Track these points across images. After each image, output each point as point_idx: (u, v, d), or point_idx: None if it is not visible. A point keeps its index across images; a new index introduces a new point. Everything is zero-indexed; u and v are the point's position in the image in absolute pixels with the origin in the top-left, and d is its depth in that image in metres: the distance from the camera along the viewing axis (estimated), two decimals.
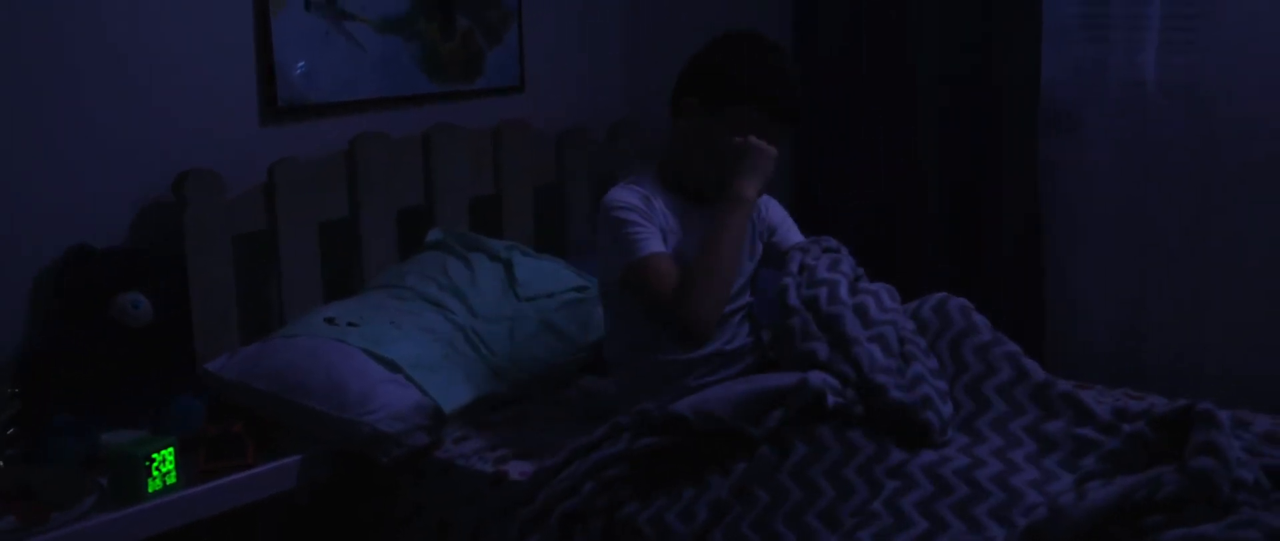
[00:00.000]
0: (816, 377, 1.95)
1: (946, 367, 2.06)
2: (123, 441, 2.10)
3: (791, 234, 2.39)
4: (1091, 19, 2.73)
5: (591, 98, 3.36)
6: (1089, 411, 1.98)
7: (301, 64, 2.69)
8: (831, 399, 1.92)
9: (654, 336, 2.19)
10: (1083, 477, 1.88)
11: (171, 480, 2.08)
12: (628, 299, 2.19)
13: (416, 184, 2.85)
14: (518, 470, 2.18)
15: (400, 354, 2.36)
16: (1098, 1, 2.71)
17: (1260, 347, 2.62)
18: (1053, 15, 2.73)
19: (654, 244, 2.14)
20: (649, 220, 2.16)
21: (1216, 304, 2.67)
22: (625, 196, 2.19)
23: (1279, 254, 2.59)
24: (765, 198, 2.35)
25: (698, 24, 3.31)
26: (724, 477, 1.91)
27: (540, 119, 3.13)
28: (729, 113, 2.18)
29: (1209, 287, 2.68)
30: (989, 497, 1.82)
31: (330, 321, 2.45)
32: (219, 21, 2.58)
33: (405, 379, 2.32)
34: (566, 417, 2.44)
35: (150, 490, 2.05)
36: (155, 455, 2.06)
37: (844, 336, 2.03)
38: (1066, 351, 2.82)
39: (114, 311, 2.30)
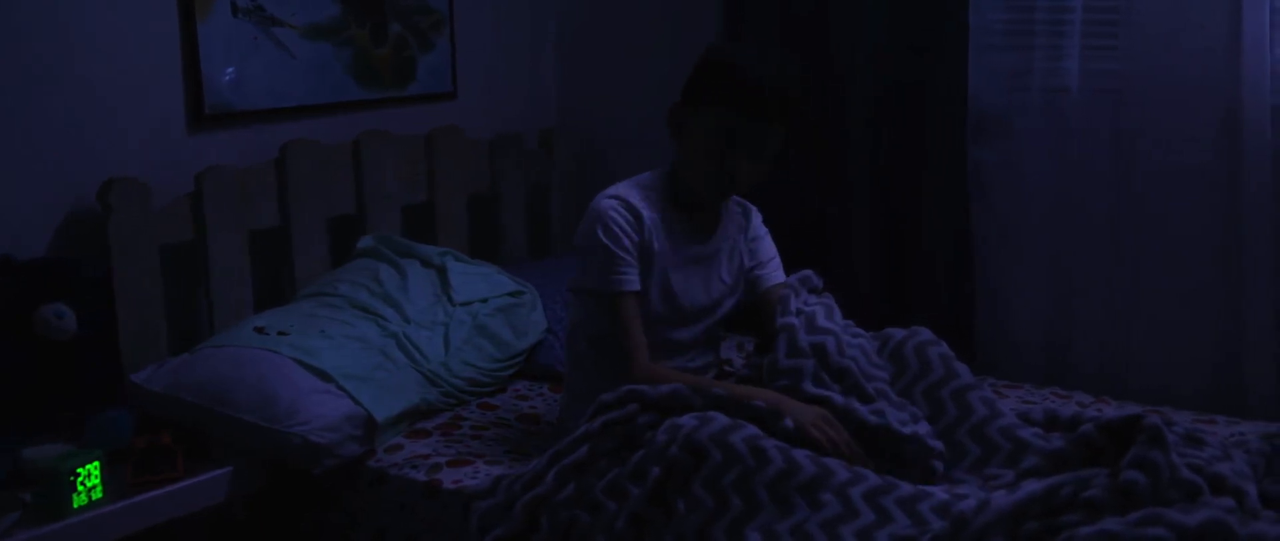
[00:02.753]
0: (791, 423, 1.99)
1: (923, 411, 2.10)
2: (47, 456, 2.06)
3: (768, 248, 2.36)
4: (1016, 27, 2.78)
5: (524, 104, 3.36)
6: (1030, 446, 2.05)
7: (230, 71, 2.66)
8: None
9: (607, 341, 2.19)
10: (1022, 473, 1.93)
11: (98, 495, 2.04)
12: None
13: (348, 192, 2.83)
14: (451, 478, 2.17)
15: (331, 363, 2.34)
16: (1022, 10, 2.76)
17: (1182, 347, 2.68)
18: (979, 24, 2.77)
19: (630, 282, 2.14)
20: (632, 250, 2.15)
21: (1140, 304, 2.72)
22: (618, 216, 2.15)
23: (1199, 254, 2.65)
24: (751, 207, 2.36)
25: (629, 31, 3.33)
26: (674, 432, 1.90)
27: (473, 126, 3.12)
28: (707, 115, 2.14)
29: (1133, 288, 2.73)
30: (931, 497, 1.87)
31: (260, 331, 2.42)
32: (143, 27, 2.54)
33: (337, 388, 2.30)
34: (501, 424, 2.44)
35: (75, 505, 2.01)
36: (80, 469, 2.02)
37: (860, 388, 2.06)
38: (995, 352, 2.87)
39: (38, 323, 2.25)
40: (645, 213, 2.18)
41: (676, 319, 2.23)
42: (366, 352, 2.44)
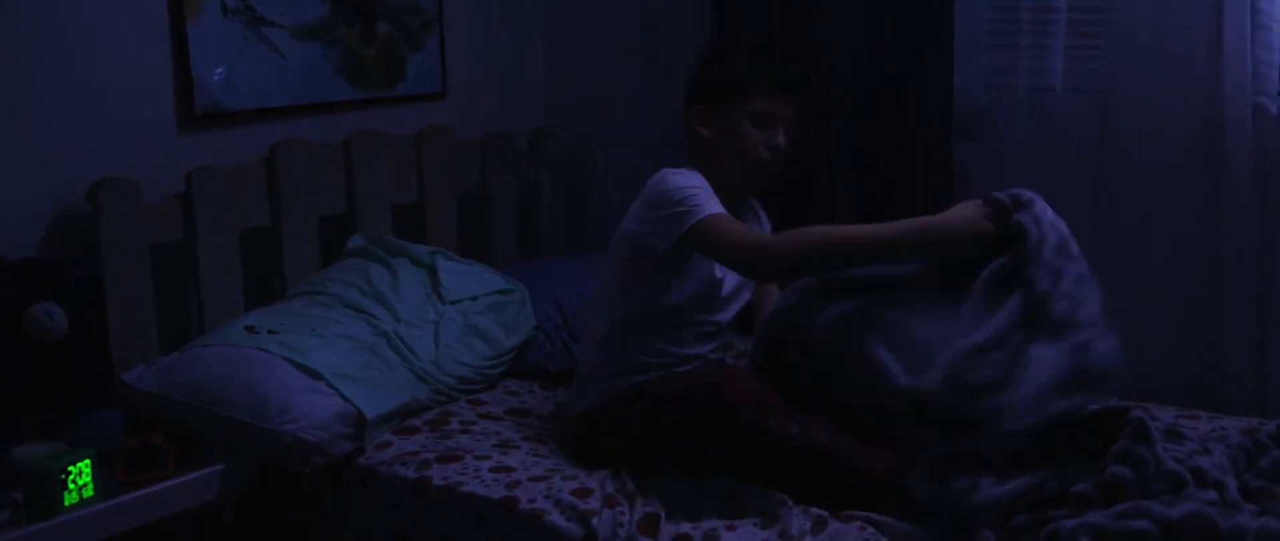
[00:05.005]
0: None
1: None
2: (37, 454, 2.07)
3: None
4: (1002, 27, 2.80)
5: (514, 104, 3.37)
6: None
7: (220, 70, 2.67)
8: None
9: (656, 320, 2.27)
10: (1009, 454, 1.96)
11: (88, 493, 2.05)
12: (646, 272, 2.25)
13: (338, 191, 2.84)
14: (441, 476, 2.19)
15: (322, 361, 2.35)
16: (1006, 10, 2.78)
17: (1164, 343, 2.70)
18: (964, 23, 2.79)
19: (717, 204, 2.18)
20: (710, 190, 2.22)
21: (1123, 301, 2.74)
22: (691, 175, 2.24)
23: (1182, 251, 2.67)
24: (760, 209, 2.52)
25: (619, 30, 3.35)
26: None
27: (463, 125, 3.14)
28: (739, 107, 2.30)
29: (1116, 285, 2.74)
30: None
31: (251, 329, 2.43)
32: (134, 28, 2.55)
33: (327, 387, 2.31)
34: (490, 418, 2.45)
35: (67, 504, 2.01)
36: (71, 468, 2.02)
37: None
38: None
39: (28, 323, 2.26)
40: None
41: (717, 302, 2.33)
42: (357, 351, 2.45)
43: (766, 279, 2.30)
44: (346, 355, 2.41)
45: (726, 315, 2.38)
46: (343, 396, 2.30)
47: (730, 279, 2.35)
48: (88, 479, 2.05)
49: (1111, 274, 2.74)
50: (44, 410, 2.27)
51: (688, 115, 2.37)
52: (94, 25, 2.49)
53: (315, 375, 2.33)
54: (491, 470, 2.19)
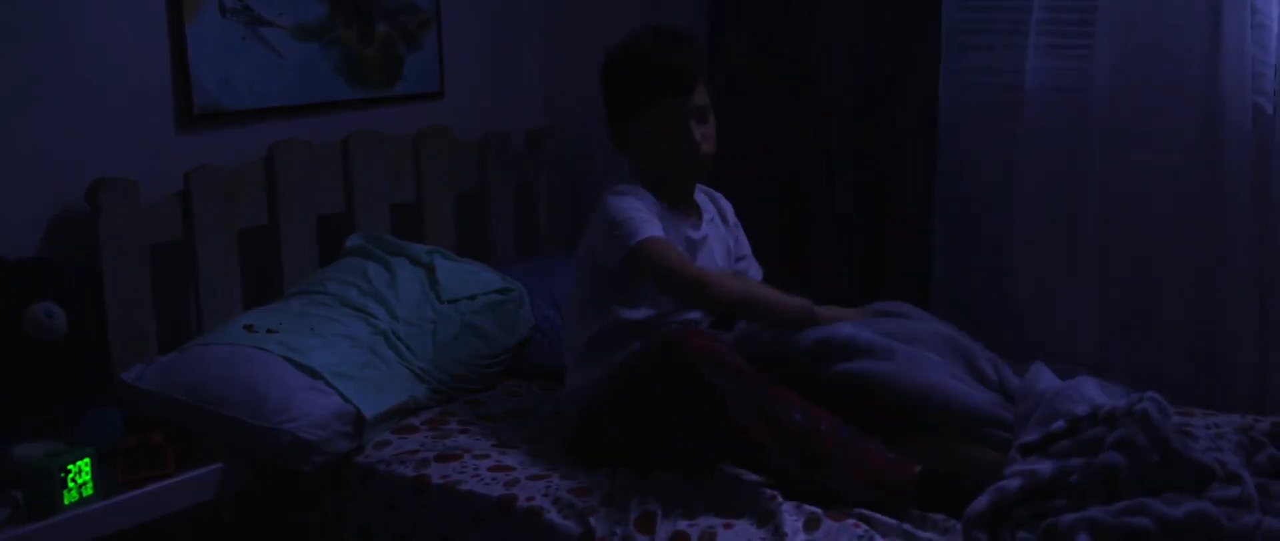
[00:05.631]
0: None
1: None
2: (37, 453, 2.07)
3: (745, 241, 2.58)
4: (993, 26, 2.81)
5: (512, 103, 3.38)
6: None
7: (219, 71, 2.67)
8: None
9: (631, 328, 2.30)
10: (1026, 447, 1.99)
11: (88, 492, 2.05)
12: (613, 285, 2.30)
13: (336, 191, 2.85)
14: (439, 474, 2.19)
15: (320, 360, 2.36)
16: (998, 10, 2.79)
17: (1161, 342, 2.71)
18: (953, 23, 2.80)
19: (655, 229, 2.26)
20: (652, 214, 2.29)
21: (1122, 300, 2.75)
22: (630, 196, 2.30)
23: (1178, 250, 2.68)
24: (722, 199, 2.56)
25: (616, 30, 3.33)
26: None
27: (460, 125, 3.14)
28: (651, 114, 2.32)
29: (1115, 285, 2.76)
30: None
31: (249, 328, 2.44)
32: (133, 28, 2.55)
33: (326, 385, 2.32)
34: (488, 419, 2.46)
35: (66, 502, 2.02)
36: (71, 466, 2.03)
37: None
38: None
39: (28, 323, 2.26)
40: (649, 200, 2.32)
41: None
42: (355, 350, 2.46)
43: (696, 310, 2.36)
44: (345, 354, 2.42)
45: (698, 314, 2.39)
46: (341, 395, 2.31)
47: None
48: (87, 478, 2.05)
49: (1110, 273, 2.76)
50: (44, 409, 2.27)
51: (614, 138, 2.41)
52: (94, 25, 2.49)
53: (314, 374, 2.33)
54: (490, 469, 2.20)
